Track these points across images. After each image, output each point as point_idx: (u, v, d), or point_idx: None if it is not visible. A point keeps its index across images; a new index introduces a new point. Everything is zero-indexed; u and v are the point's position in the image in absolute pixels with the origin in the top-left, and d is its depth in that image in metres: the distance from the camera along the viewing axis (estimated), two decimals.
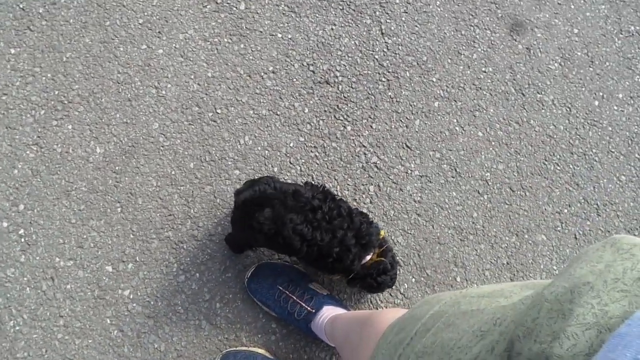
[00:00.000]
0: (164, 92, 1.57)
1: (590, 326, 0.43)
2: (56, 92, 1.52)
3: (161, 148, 1.52)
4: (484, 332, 0.59)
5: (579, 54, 1.84)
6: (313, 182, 1.33)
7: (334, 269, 1.30)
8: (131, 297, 1.41)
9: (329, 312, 1.35)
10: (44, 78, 1.53)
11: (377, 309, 1.52)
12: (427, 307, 0.79)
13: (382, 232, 1.33)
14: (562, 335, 0.44)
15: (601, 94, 1.81)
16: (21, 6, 1.57)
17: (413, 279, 1.54)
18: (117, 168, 1.49)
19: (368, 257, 1.32)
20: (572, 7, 1.87)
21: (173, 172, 1.51)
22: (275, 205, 1.17)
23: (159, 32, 1.62)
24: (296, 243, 1.19)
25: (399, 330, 0.82)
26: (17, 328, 1.35)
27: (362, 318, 1.13)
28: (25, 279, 1.38)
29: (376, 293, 1.49)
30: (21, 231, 1.41)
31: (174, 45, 1.61)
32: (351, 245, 1.24)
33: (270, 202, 1.18)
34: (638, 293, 0.43)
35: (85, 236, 1.43)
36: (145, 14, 1.62)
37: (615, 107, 1.80)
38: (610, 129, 1.78)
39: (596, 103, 1.80)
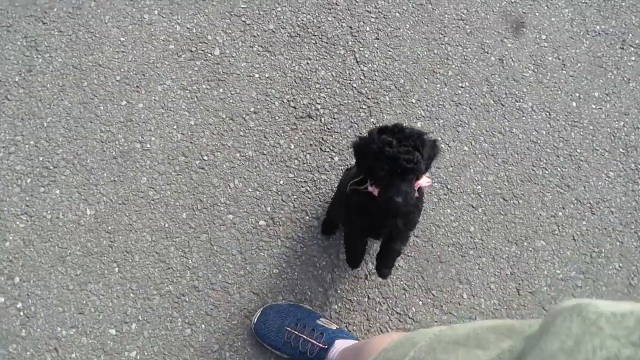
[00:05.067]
0: (148, 146, 1.56)
1: None
2: (40, 159, 1.51)
3: (152, 202, 1.51)
4: None
5: (550, 58, 1.88)
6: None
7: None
8: (138, 357, 1.38)
9: (340, 345, 1.33)
10: (26, 146, 1.52)
11: None
12: (402, 350, 0.77)
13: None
14: None
15: (577, 94, 1.84)
16: None
17: (420, 302, 1.54)
18: (109, 228, 1.47)
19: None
20: (537, 14, 1.92)
21: (166, 225, 1.50)
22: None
23: (137, 86, 1.62)
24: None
25: None
26: None
27: (360, 345, 1.12)
28: (28, 353, 1.35)
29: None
30: (19, 304, 1.38)
31: (153, 97, 1.61)
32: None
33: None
34: None
35: (84, 301, 1.40)
36: (122, 70, 1.63)
37: (594, 106, 1.84)
38: (591, 127, 1.81)
39: (574, 104, 1.83)
